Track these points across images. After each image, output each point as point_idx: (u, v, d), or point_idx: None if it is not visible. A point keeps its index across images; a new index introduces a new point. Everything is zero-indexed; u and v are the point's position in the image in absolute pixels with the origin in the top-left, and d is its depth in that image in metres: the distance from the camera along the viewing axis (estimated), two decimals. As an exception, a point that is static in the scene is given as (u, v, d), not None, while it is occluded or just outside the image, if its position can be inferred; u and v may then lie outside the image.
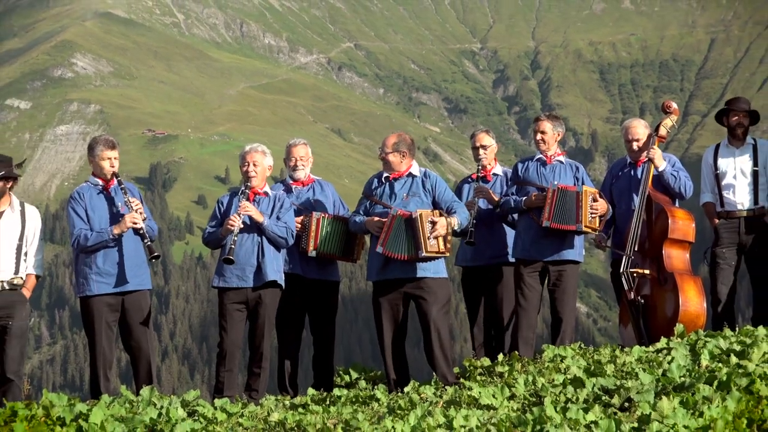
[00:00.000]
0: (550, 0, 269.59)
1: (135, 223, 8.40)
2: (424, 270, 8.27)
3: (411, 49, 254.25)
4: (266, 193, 8.72)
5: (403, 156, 8.52)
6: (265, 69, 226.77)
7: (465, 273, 9.64)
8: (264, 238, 8.51)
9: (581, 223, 8.73)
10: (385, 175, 8.61)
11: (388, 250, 8.15)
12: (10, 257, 8.41)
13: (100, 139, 8.81)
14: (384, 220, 8.25)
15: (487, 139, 9.67)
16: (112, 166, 8.63)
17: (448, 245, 8.23)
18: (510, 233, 9.45)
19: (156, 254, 8.49)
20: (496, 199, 9.31)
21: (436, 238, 8.09)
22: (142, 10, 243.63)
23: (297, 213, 8.86)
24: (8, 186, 8.45)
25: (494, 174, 9.62)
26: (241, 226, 8.40)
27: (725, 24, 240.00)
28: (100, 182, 8.66)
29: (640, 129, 9.48)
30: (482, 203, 9.28)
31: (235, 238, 8.35)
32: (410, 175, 8.56)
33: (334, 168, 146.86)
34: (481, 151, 9.56)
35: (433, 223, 8.09)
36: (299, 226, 8.77)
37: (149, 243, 8.46)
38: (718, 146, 9.73)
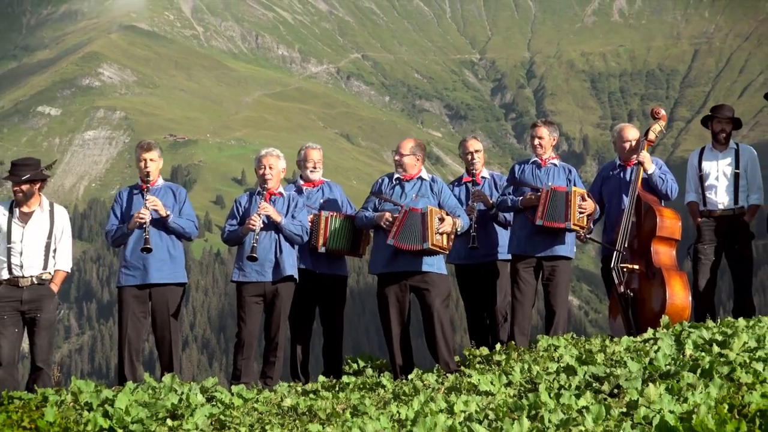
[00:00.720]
0: (544, 14, 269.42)
1: (141, 219, 8.44)
2: (429, 265, 8.32)
3: (415, 59, 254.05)
4: (281, 194, 8.73)
5: (417, 160, 8.63)
6: (279, 78, 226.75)
7: (459, 270, 9.62)
8: (281, 235, 8.52)
9: (570, 221, 8.74)
10: (396, 176, 8.64)
11: (399, 241, 8.18)
12: (40, 254, 8.41)
13: (140, 143, 8.97)
14: (396, 215, 8.29)
15: (478, 144, 9.68)
16: (147, 167, 8.69)
17: (450, 243, 8.33)
18: (501, 233, 9.46)
19: (147, 247, 8.45)
20: (491, 202, 9.32)
21: (441, 234, 8.18)
22: (164, 23, 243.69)
23: (309, 213, 8.89)
24: (37, 187, 8.46)
25: (483, 177, 9.61)
26: (261, 225, 8.42)
27: (707, 36, 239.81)
28: (140, 182, 8.72)
29: (633, 132, 9.55)
30: (480, 206, 9.27)
31: (257, 237, 8.37)
32: (420, 178, 8.61)
33: (342, 170, 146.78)
34: (476, 156, 9.56)
35: (441, 220, 8.17)
36: (309, 224, 8.78)
37: (147, 237, 8.44)
38: (703, 149, 9.73)
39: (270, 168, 8.68)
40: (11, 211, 8.45)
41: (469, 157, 9.57)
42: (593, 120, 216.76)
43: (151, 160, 8.75)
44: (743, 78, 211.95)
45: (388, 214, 8.33)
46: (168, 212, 8.58)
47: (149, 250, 8.45)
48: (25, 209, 8.46)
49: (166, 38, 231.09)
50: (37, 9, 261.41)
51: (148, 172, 8.70)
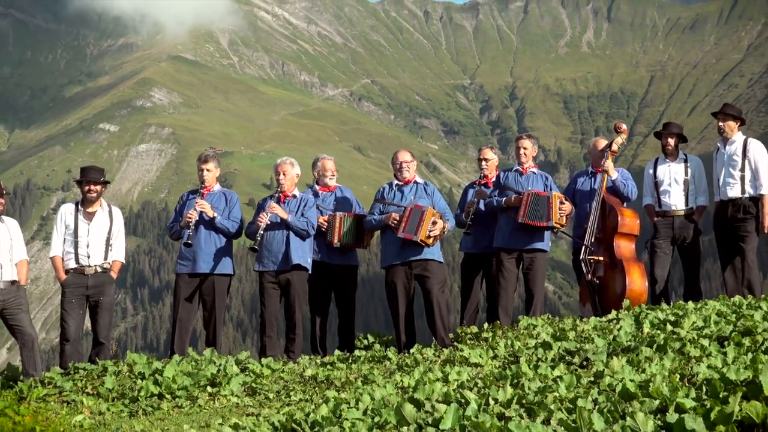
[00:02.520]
0: (524, 45, 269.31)
1: (189, 218, 8.49)
2: (431, 253, 8.35)
3: (415, 84, 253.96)
4: (294, 196, 8.74)
5: (414, 166, 8.65)
6: (301, 100, 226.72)
7: (466, 258, 9.59)
8: (290, 231, 8.53)
9: (552, 220, 8.73)
10: (396, 183, 8.65)
11: (407, 233, 8.19)
12: (101, 247, 8.45)
13: (198, 156, 9.03)
14: (402, 214, 8.31)
15: (489, 154, 9.66)
16: (204, 175, 8.77)
17: (434, 241, 8.34)
18: None
19: (188, 242, 8.47)
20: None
21: (430, 232, 8.17)
22: (205, 54, 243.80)
23: (323, 213, 8.91)
24: (103, 190, 8.58)
25: (494, 182, 9.58)
26: (268, 222, 8.45)
27: (662, 64, 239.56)
28: (198, 188, 8.76)
29: (603, 142, 9.57)
30: (481, 204, 9.25)
31: (261, 233, 8.43)
32: (416, 182, 8.65)
33: (355, 177, 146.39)
34: (483, 163, 9.57)
35: (434, 223, 8.18)
36: (325, 223, 8.79)
37: (190, 233, 8.48)
38: (657, 160, 9.71)
39: (284, 174, 8.71)
40: (77, 211, 8.52)
41: (482, 163, 9.59)
42: (566, 135, 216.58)
43: (207, 170, 8.82)
44: (692, 99, 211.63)
45: (394, 215, 8.35)
46: (214, 214, 8.61)
47: (189, 245, 8.48)
48: (89, 209, 8.51)
49: (207, 66, 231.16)
50: (99, 42, 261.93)
51: (204, 179, 8.77)
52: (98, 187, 8.52)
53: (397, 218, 8.30)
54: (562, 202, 8.83)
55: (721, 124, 9.34)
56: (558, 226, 8.80)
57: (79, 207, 8.54)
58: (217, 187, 8.95)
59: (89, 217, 8.48)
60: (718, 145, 9.45)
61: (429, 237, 8.21)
